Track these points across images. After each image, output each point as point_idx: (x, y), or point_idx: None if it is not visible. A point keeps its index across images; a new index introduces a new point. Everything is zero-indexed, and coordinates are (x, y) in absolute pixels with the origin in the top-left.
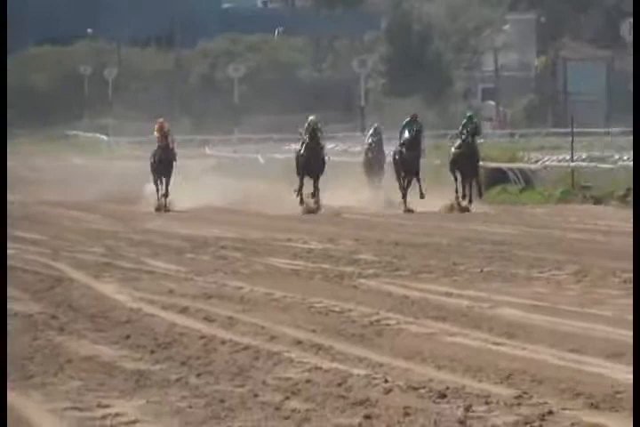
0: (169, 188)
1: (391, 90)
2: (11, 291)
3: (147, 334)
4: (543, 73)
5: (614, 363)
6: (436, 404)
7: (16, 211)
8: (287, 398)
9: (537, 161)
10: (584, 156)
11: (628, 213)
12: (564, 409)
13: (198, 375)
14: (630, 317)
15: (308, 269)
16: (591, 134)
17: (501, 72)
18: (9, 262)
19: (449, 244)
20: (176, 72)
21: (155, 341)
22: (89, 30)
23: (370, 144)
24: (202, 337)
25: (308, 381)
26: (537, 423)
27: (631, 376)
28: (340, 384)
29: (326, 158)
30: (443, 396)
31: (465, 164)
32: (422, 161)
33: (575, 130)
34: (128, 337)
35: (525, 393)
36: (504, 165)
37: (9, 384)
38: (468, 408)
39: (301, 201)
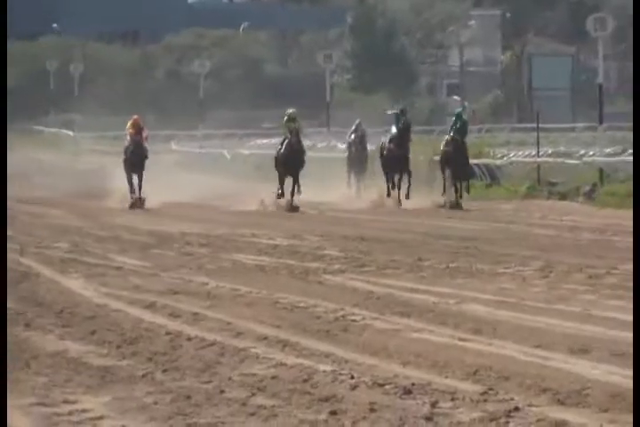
0: (141, 182)
1: (357, 85)
2: None
3: (113, 329)
4: (508, 68)
5: (580, 359)
6: (402, 400)
7: None
8: (253, 394)
9: (503, 157)
10: (550, 151)
11: (594, 209)
12: (529, 405)
13: (164, 371)
14: (596, 312)
15: (274, 264)
16: (557, 130)
17: (467, 67)
18: None
19: (414, 239)
20: (142, 67)
21: (121, 337)
22: (54, 25)
23: (353, 140)
24: (168, 333)
25: (273, 377)
26: (503, 420)
27: (598, 372)
28: (305, 380)
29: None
30: (408, 392)
31: (454, 161)
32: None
33: (541, 125)
34: (94, 333)
35: (491, 389)
36: (470, 161)
37: None
38: (433, 404)
39: (279, 197)
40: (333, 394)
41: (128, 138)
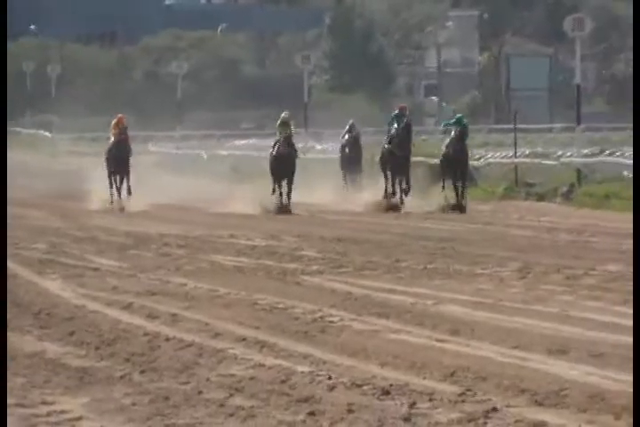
0: (129, 184)
1: (335, 86)
2: None
3: (91, 330)
4: (486, 69)
5: (558, 360)
6: (380, 401)
7: None
8: (231, 395)
9: (480, 158)
10: (527, 152)
11: (571, 210)
12: (507, 406)
13: (142, 372)
14: (574, 313)
15: (252, 265)
16: (534, 131)
17: (444, 68)
18: None
19: (392, 240)
20: (119, 68)
21: (99, 338)
22: (32, 26)
23: (347, 140)
24: (146, 334)
25: (252, 378)
26: (481, 420)
27: (575, 373)
28: (283, 381)
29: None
30: (386, 393)
31: (454, 165)
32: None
33: (518, 126)
34: (72, 334)
35: (469, 390)
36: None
37: None
38: (411, 405)
39: (277, 199)
40: (311, 395)
41: (112, 138)
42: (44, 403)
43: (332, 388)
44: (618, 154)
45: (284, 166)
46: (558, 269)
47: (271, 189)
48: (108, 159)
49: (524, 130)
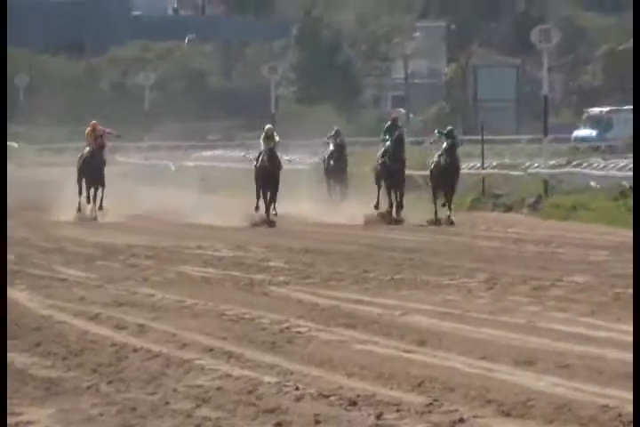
0: (103, 195)
1: (302, 97)
2: None
3: (58, 341)
4: (453, 80)
5: (525, 371)
6: (347, 411)
7: None
8: (198, 405)
9: None
10: (495, 163)
11: (538, 221)
12: (475, 417)
13: (109, 383)
14: (541, 324)
15: (219, 276)
16: (501, 142)
17: (411, 79)
18: None
19: (359, 251)
20: (87, 79)
21: (66, 348)
22: None
23: (332, 149)
24: (113, 345)
25: (218, 388)
26: None
27: (542, 384)
28: (250, 392)
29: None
30: (353, 403)
31: (446, 178)
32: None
33: (485, 137)
34: (39, 345)
35: (436, 401)
36: (415, 173)
37: None
38: (378, 416)
39: (257, 209)
40: (278, 406)
41: (86, 147)
42: (12, 414)
43: (299, 398)
44: (585, 165)
45: (267, 178)
46: (525, 280)
47: (255, 204)
48: (80, 169)
49: (491, 141)
